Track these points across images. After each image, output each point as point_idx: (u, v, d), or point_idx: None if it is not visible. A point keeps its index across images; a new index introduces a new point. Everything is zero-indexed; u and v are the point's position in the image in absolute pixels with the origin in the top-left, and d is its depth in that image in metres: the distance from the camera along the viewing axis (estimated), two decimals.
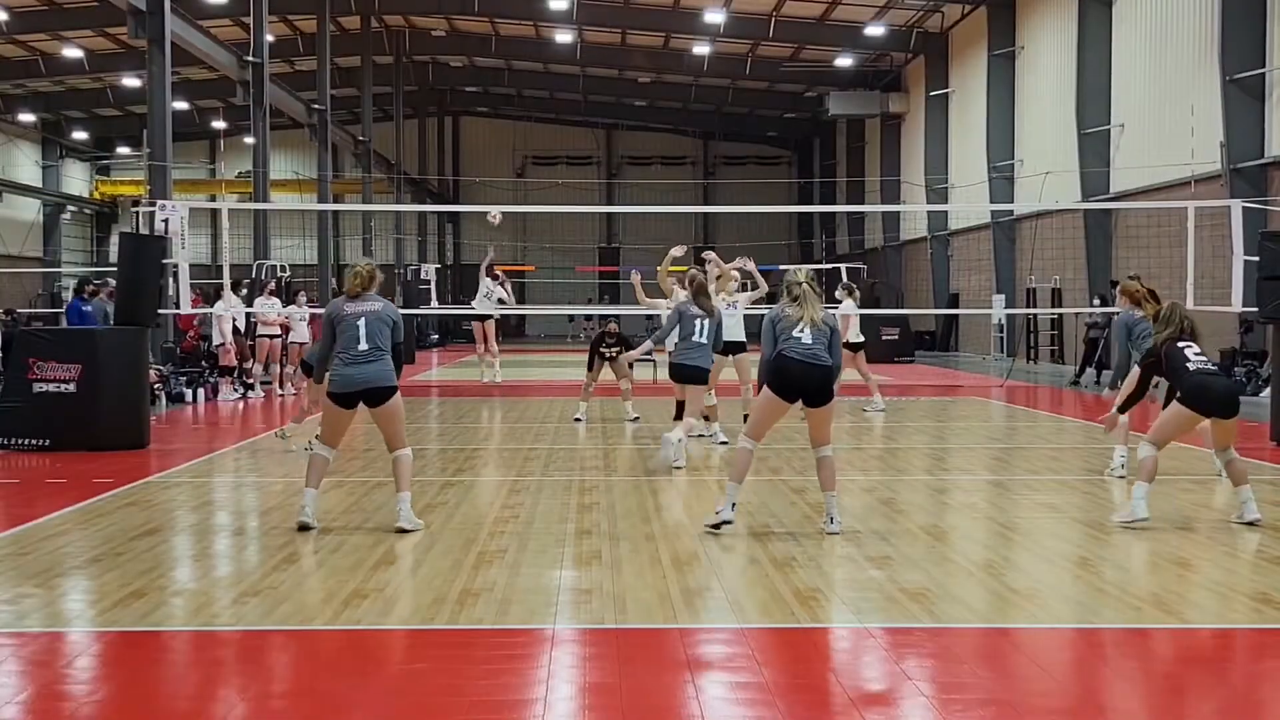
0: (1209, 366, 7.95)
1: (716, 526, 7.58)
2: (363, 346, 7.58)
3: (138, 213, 21.69)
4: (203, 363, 19.34)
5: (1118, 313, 10.57)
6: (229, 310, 18.85)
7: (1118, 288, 10.83)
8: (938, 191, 36.36)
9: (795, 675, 4.89)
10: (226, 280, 18.95)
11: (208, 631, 5.56)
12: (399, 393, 7.78)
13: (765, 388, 7.66)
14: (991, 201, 30.75)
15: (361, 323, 7.62)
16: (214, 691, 4.76)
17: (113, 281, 21.12)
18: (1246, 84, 19.95)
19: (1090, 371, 21.43)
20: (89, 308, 17.51)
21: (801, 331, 7.56)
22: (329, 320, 7.79)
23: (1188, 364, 7.90)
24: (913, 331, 32.50)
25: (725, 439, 12.26)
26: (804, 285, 7.75)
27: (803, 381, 7.50)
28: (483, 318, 21.52)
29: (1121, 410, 8.69)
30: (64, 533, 7.75)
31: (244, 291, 20.74)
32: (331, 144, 33.29)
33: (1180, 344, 8.00)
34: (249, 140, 28.24)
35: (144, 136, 20.71)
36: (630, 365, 15.57)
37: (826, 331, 7.62)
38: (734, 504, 7.64)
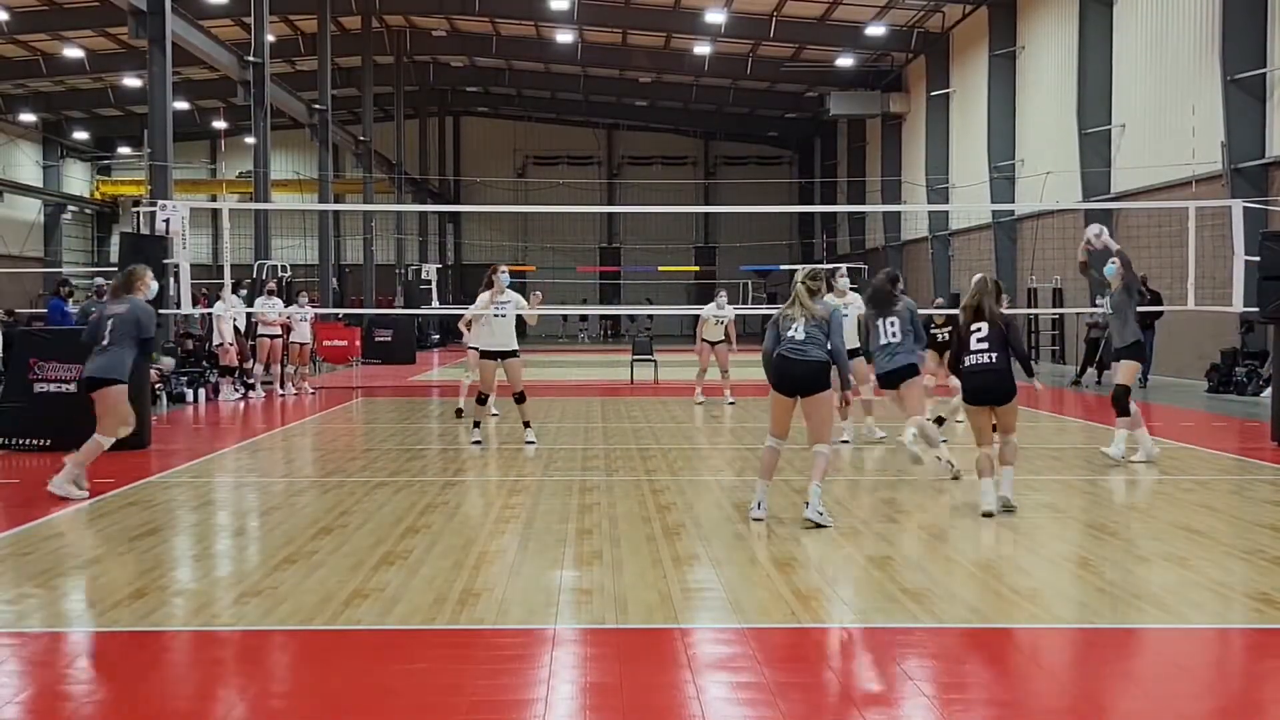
0: (981, 359, 7.90)
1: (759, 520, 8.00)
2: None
3: (138, 213, 21.65)
4: (204, 363, 19.35)
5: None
6: (229, 310, 18.85)
7: None
8: (938, 191, 36.35)
9: (795, 675, 4.89)
10: (227, 280, 18.94)
11: (208, 631, 5.56)
12: None
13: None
14: (992, 201, 30.74)
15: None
16: (214, 691, 4.76)
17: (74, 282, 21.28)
18: (1247, 84, 19.93)
19: (1091, 371, 21.43)
20: (70, 309, 17.61)
21: (795, 329, 7.89)
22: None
23: (965, 354, 8.03)
24: None
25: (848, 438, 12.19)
26: (799, 284, 8.08)
27: (793, 375, 7.88)
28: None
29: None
30: (64, 533, 7.76)
31: (243, 292, 20.74)
32: (332, 144, 33.31)
33: (972, 327, 8.07)
34: (250, 140, 28.24)
35: (144, 136, 20.71)
36: None
37: (823, 325, 7.89)
38: (760, 502, 8.10)
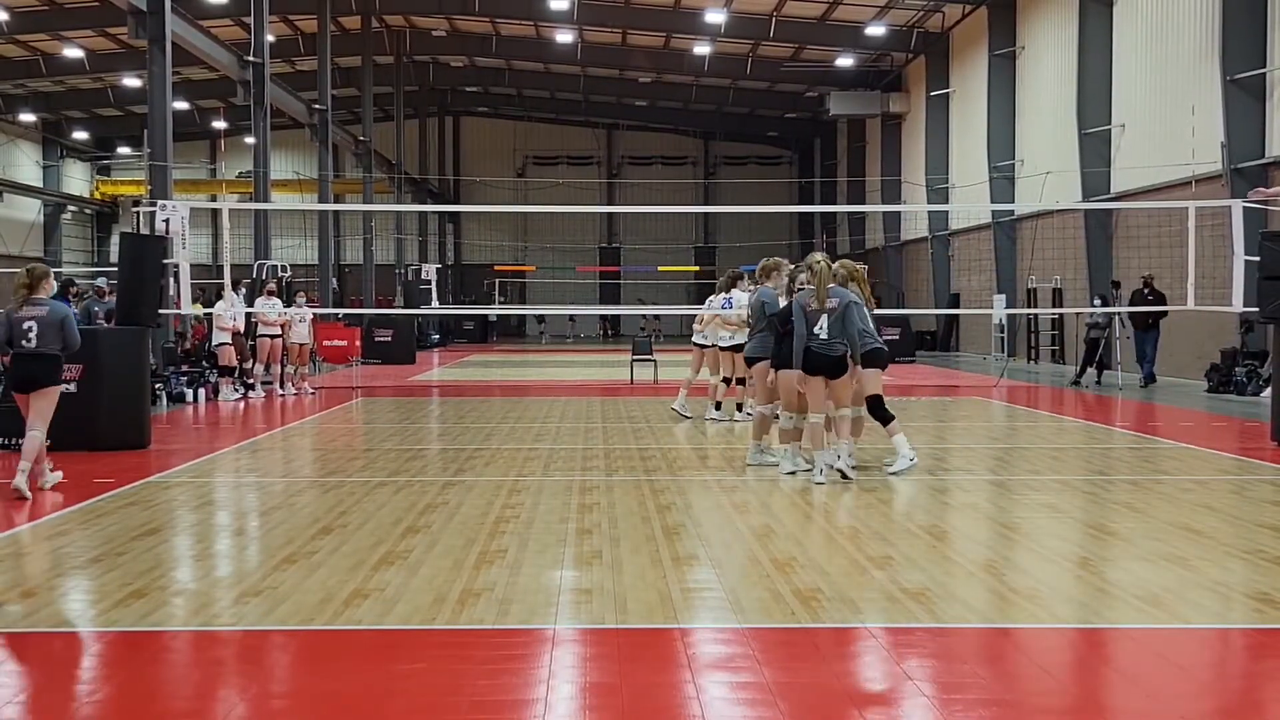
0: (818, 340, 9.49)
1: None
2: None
3: (138, 213, 21.63)
4: (203, 363, 19.34)
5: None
6: (230, 310, 18.84)
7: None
8: (938, 191, 36.36)
9: (795, 675, 4.89)
10: (227, 280, 18.93)
11: (208, 631, 5.55)
12: None
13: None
14: (992, 201, 30.75)
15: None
16: (214, 691, 4.76)
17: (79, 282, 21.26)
18: (1247, 84, 19.93)
19: (1091, 371, 21.41)
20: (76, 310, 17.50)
21: (821, 329, 9.47)
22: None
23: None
24: (914, 331, 32.51)
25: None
26: (821, 267, 9.56)
27: (822, 367, 9.56)
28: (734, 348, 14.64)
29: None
30: (64, 533, 7.76)
31: (242, 291, 20.74)
32: (332, 144, 33.29)
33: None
34: (249, 140, 28.23)
35: (144, 136, 20.69)
36: None
37: (839, 319, 9.51)
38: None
